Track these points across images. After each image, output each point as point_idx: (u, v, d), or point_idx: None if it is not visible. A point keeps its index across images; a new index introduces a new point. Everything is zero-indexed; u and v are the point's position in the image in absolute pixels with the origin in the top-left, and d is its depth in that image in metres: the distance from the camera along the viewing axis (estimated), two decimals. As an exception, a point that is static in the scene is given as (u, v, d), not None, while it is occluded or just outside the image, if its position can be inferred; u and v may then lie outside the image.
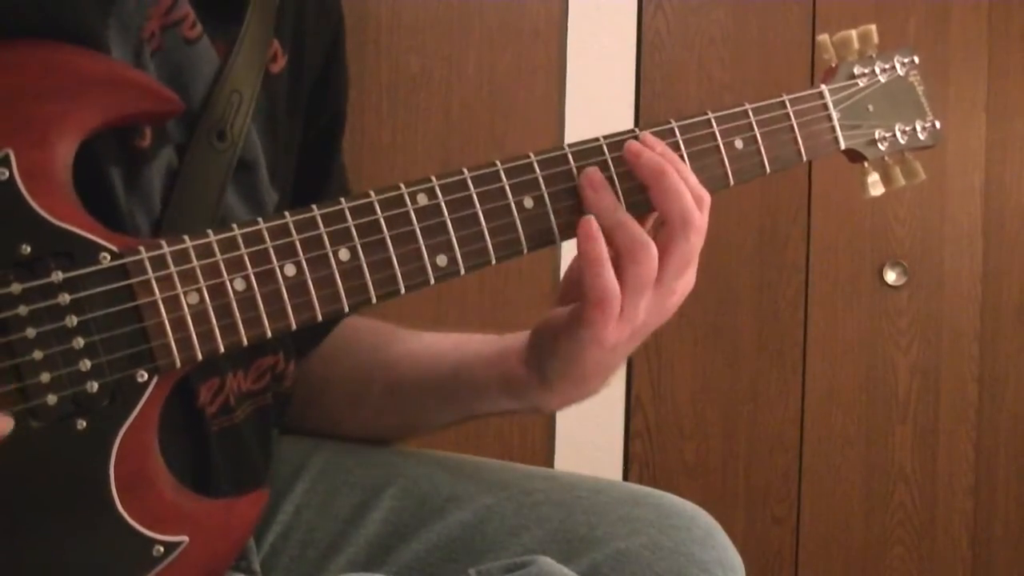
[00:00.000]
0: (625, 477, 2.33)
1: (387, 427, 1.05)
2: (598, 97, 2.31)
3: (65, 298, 0.71)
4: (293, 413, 1.05)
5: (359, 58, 2.23)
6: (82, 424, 0.72)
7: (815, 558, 2.39)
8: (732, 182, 0.93)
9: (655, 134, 0.89)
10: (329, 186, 1.05)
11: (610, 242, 0.84)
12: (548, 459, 2.29)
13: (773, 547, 2.39)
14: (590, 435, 2.32)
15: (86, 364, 0.71)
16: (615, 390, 2.33)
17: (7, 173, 0.70)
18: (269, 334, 0.76)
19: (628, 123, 2.26)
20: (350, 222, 0.79)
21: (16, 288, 0.70)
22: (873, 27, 1.02)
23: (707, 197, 0.87)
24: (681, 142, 0.90)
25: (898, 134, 1.02)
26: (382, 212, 0.80)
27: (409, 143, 2.27)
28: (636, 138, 0.88)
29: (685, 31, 2.34)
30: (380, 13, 2.26)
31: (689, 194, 0.85)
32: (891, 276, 2.37)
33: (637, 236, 0.83)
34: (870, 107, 1.01)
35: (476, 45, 2.29)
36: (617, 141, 0.88)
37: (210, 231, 0.75)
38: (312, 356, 1.06)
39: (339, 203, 0.79)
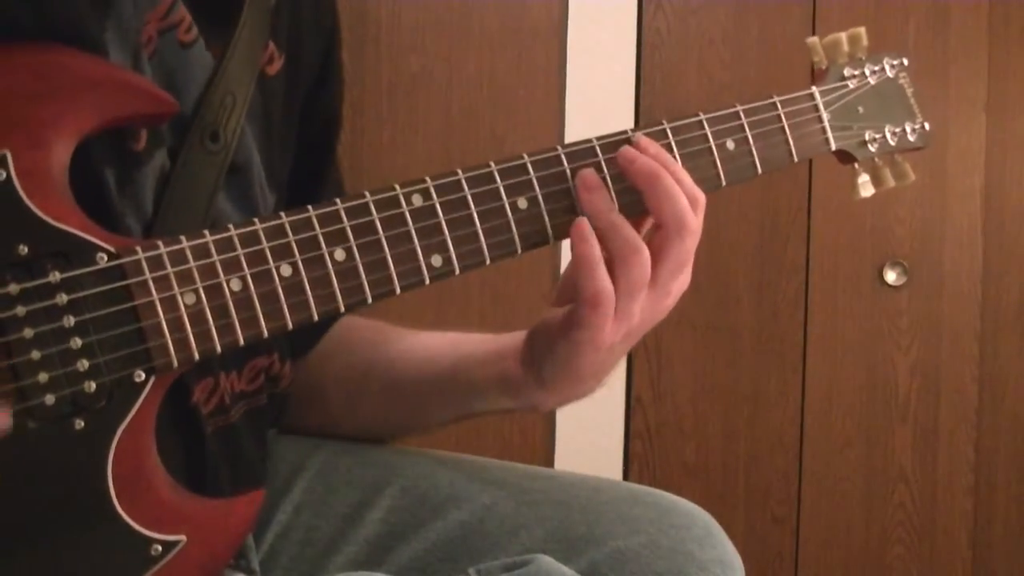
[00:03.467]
0: (625, 477, 2.33)
1: (386, 426, 1.05)
2: (598, 97, 2.31)
3: (63, 298, 0.71)
4: (292, 413, 1.05)
5: (359, 58, 2.23)
6: (80, 424, 0.72)
7: (815, 558, 2.39)
8: (724, 183, 0.94)
9: (647, 135, 0.89)
10: (324, 190, 1.05)
11: (603, 244, 0.84)
12: (548, 459, 2.29)
13: (773, 547, 2.38)
14: (590, 435, 2.32)
15: (84, 364, 0.71)
16: (615, 390, 2.33)
17: (4, 174, 0.70)
18: (266, 334, 0.77)
19: (628, 123, 2.26)
20: (346, 223, 0.79)
21: (13, 288, 0.70)
22: (863, 29, 1.02)
23: (702, 198, 0.87)
24: (673, 143, 0.91)
25: (888, 135, 1.03)
26: (377, 213, 0.80)
27: (409, 143, 2.27)
28: (629, 140, 0.88)
29: (685, 31, 2.34)
30: (380, 13, 2.26)
31: (684, 197, 0.85)
32: (891, 276, 2.37)
33: (629, 240, 0.83)
34: (860, 109, 1.02)
35: (476, 45, 2.29)
36: (610, 142, 0.88)
37: (206, 232, 0.75)
38: (310, 356, 1.06)
39: (335, 204, 0.79)
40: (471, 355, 0.96)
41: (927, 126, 1.05)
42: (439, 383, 0.99)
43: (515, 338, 0.94)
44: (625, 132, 0.89)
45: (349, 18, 2.28)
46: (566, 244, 0.86)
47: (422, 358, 1.01)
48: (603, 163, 0.87)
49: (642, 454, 2.35)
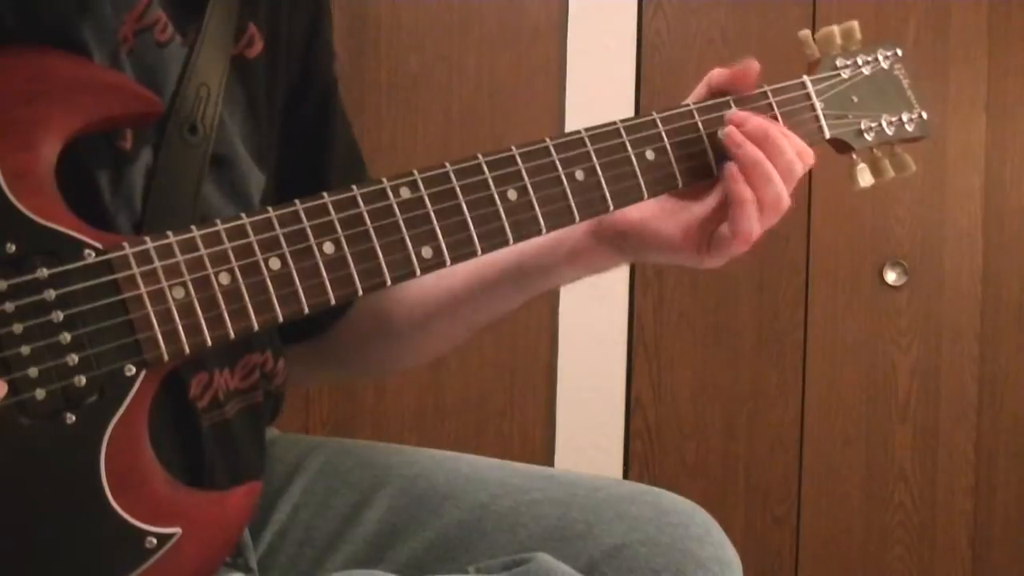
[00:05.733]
0: (625, 477, 2.33)
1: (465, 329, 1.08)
2: (598, 97, 2.31)
3: (51, 294, 0.72)
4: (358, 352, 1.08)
5: (359, 58, 2.23)
6: (71, 418, 0.72)
7: (815, 558, 2.39)
8: (716, 173, 0.94)
9: (640, 124, 0.91)
10: (333, 155, 1.04)
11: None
12: (548, 459, 2.29)
13: (773, 547, 2.38)
14: (590, 435, 2.32)
15: (73, 359, 0.72)
16: (615, 390, 2.33)
17: None
18: (256, 326, 0.77)
19: (627, 123, 2.26)
20: (333, 215, 0.79)
21: (1, 285, 0.71)
22: (855, 23, 1.03)
23: (809, 151, 0.96)
24: (664, 133, 0.91)
25: (885, 125, 1.03)
26: (365, 205, 0.80)
27: (409, 143, 2.27)
28: (619, 132, 0.90)
29: (685, 31, 2.34)
30: (380, 13, 2.26)
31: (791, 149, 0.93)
32: (891, 276, 2.37)
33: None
34: (855, 98, 1.02)
35: (476, 45, 2.29)
36: (598, 133, 0.90)
37: (194, 227, 0.76)
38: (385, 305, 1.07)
39: (321, 197, 0.80)
40: (530, 248, 0.99)
41: (925, 115, 1.05)
42: (505, 279, 1.01)
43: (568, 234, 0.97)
44: (614, 123, 0.91)
45: (349, 18, 2.29)
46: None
47: (477, 268, 1.02)
48: (592, 153, 0.89)
49: (642, 454, 2.35)
